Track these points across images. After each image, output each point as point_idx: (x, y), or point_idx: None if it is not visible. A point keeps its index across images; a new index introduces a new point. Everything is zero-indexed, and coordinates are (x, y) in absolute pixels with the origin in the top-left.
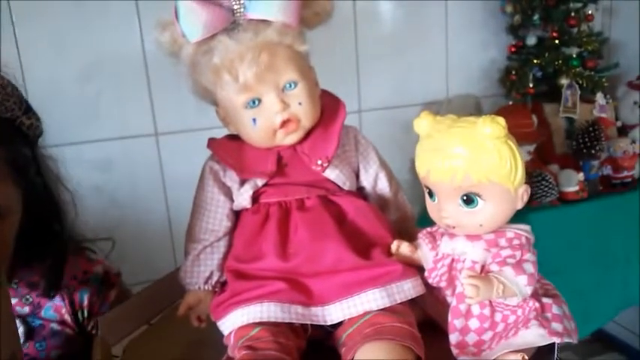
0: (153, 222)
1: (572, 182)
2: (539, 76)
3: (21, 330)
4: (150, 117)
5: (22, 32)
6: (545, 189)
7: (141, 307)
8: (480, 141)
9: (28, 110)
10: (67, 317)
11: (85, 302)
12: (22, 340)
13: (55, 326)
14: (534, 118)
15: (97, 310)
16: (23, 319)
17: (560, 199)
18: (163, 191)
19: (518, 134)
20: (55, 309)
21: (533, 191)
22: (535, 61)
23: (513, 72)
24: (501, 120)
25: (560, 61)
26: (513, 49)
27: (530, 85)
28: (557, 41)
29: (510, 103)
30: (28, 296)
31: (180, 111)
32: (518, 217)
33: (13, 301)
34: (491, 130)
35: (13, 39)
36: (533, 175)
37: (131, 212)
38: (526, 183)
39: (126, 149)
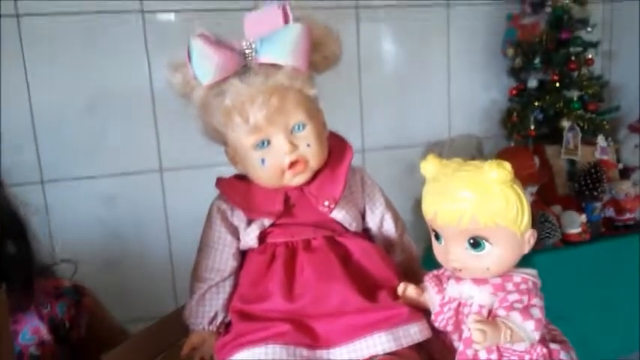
0: (155, 258)
1: (574, 224)
2: (540, 119)
3: None
4: (155, 152)
5: (31, 64)
6: (549, 230)
7: (143, 346)
8: (487, 185)
9: None
10: (47, 336)
11: (65, 314)
12: None
13: (33, 350)
14: (536, 160)
15: (78, 319)
16: None
17: (562, 240)
18: (166, 227)
19: (520, 176)
20: (33, 331)
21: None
22: (536, 103)
23: (515, 114)
24: (507, 165)
25: (561, 104)
26: (514, 92)
27: (532, 127)
28: (558, 84)
29: (512, 144)
30: None
31: (185, 147)
32: (521, 259)
33: None
34: (498, 174)
35: (23, 70)
36: (536, 217)
37: (133, 247)
38: (532, 227)
39: (130, 184)
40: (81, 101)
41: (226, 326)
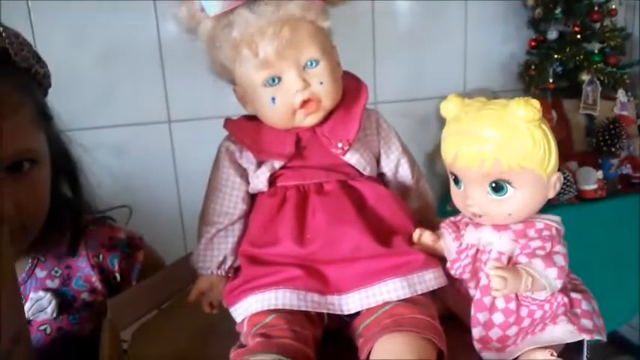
0: (164, 208)
1: (590, 180)
2: (559, 72)
3: (54, 303)
4: (163, 104)
5: (37, 17)
6: (564, 186)
7: (151, 292)
8: (513, 124)
9: (40, 59)
10: (98, 285)
11: (116, 267)
12: (55, 314)
13: (86, 296)
14: (554, 114)
15: (130, 272)
16: (55, 292)
17: (578, 197)
18: (175, 178)
19: None
20: (84, 279)
21: None
22: (556, 55)
23: (533, 67)
24: (536, 102)
25: (581, 57)
26: (533, 44)
27: (550, 81)
28: (578, 36)
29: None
30: (56, 268)
31: (193, 98)
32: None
33: (42, 274)
34: (525, 112)
35: (29, 24)
36: None
37: (143, 198)
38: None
39: (139, 135)
40: (88, 53)
41: (235, 271)
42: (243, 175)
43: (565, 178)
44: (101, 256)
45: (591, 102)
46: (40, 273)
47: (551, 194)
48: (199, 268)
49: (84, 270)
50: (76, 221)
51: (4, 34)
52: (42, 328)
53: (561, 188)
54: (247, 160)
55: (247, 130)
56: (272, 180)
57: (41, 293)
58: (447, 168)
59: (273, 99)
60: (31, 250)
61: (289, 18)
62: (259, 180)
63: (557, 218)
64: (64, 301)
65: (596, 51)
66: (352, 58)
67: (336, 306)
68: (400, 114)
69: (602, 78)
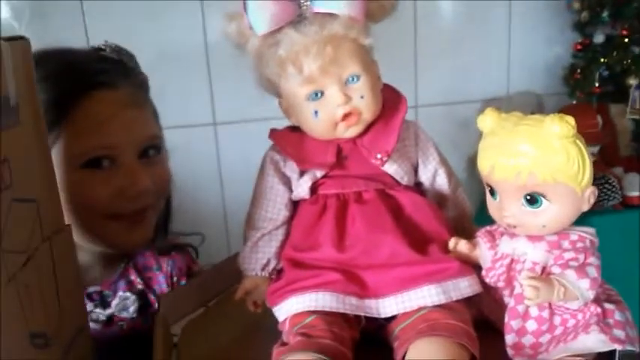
0: (209, 209)
1: (636, 186)
2: (605, 76)
3: (136, 305)
4: (209, 106)
5: (91, 22)
6: (609, 192)
7: (200, 289)
8: (548, 140)
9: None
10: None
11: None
12: (135, 314)
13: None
14: (599, 119)
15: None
16: (139, 295)
17: (623, 203)
18: (219, 179)
19: (582, 135)
20: (160, 292)
21: None
22: (602, 59)
23: (578, 70)
24: (570, 119)
25: (629, 61)
26: (579, 47)
27: (596, 85)
28: (626, 39)
29: (574, 102)
30: (141, 277)
31: (239, 101)
32: (578, 221)
33: (131, 277)
34: (560, 128)
35: (84, 29)
36: (596, 178)
37: (187, 198)
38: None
39: (185, 138)
40: (139, 57)
41: (278, 273)
42: (287, 183)
43: (610, 184)
44: (175, 279)
45: (638, 107)
46: (130, 276)
47: (585, 208)
48: (245, 270)
49: (162, 285)
50: (166, 229)
51: (120, 50)
52: (120, 323)
53: (606, 194)
54: (291, 169)
55: (291, 140)
56: (314, 188)
57: (128, 294)
58: (484, 180)
59: (316, 112)
60: (125, 255)
61: (332, 37)
62: (302, 188)
63: (592, 230)
64: (143, 305)
65: None
66: (394, 61)
67: (373, 309)
68: (441, 117)
69: None
